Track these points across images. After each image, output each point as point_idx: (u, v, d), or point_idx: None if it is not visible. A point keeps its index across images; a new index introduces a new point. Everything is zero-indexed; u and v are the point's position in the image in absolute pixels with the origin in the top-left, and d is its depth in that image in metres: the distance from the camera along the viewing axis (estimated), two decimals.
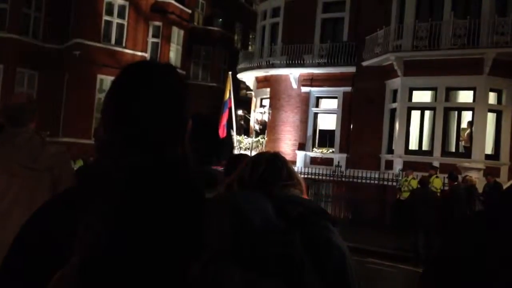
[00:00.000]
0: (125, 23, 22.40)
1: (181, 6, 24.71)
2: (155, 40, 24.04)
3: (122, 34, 22.40)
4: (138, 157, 0.97)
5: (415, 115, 16.44)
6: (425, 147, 16.11)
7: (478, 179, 12.76)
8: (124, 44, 22.36)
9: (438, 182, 12.41)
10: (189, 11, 25.70)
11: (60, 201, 1.01)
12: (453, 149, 15.79)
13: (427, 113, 16.23)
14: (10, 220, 2.16)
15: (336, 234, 1.55)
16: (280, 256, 1.09)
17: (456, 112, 15.93)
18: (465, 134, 15.38)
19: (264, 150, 19.79)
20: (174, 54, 24.88)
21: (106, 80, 21.22)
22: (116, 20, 22.23)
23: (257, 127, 21.70)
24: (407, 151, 16.13)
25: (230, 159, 3.20)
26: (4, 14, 20.76)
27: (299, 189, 1.58)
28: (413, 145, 16.34)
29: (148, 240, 0.90)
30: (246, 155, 3.19)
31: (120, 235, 0.90)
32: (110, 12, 22.02)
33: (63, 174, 2.49)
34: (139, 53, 22.72)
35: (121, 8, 22.30)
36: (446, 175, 11.79)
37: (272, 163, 1.58)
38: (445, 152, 15.52)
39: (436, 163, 14.48)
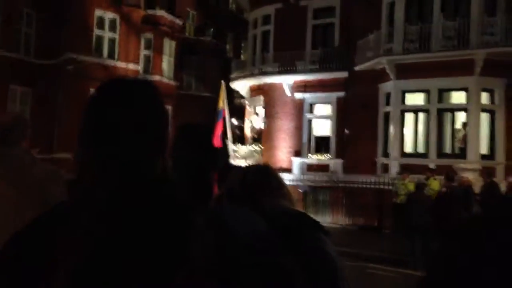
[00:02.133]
0: (117, 37, 22.43)
1: (172, 18, 24.78)
2: (147, 52, 24.07)
3: (114, 47, 22.42)
4: (118, 176, 0.96)
5: (409, 117, 16.49)
6: (420, 149, 16.14)
7: (474, 180, 12.77)
8: (116, 58, 22.38)
9: (436, 184, 12.43)
10: (180, 22, 25.77)
11: (41, 220, 1.00)
12: (448, 151, 15.82)
13: (421, 115, 16.28)
14: (3, 240, 2.14)
15: (328, 244, 1.54)
16: (270, 265, 1.07)
17: (450, 113, 15.99)
18: (460, 135, 15.43)
19: (260, 158, 19.85)
20: (166, 66, 24.91)
21: None
22: (107, 34, 22.26)
23: (252, 135, 21.70)
24: (403, 154, 16.15)
25: (221, 171, 3.18)
26: None
27: (289, 200, 1.58)
28: (408, 147, 16.37)
29: (130, 258, 0.90)
30: (238, 166, 3.17)
31: (102, 255, 0.89)
32: (101, 26, 22.05)
33: (52, 194, 2.44)
34: (132, 66, 22.74)
35: (112, 22, 22.33)
36: (443, 177, 11.81)
37: (261, 175, 1.57)
38: (440, 154, 15.55)
39: (432, 165, 14.50)
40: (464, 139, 15.11)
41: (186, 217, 0.98)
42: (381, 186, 15.33)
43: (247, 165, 1.78)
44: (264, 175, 1.61)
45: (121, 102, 1.02)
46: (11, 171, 2.48)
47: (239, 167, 1.64)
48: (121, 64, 22.33)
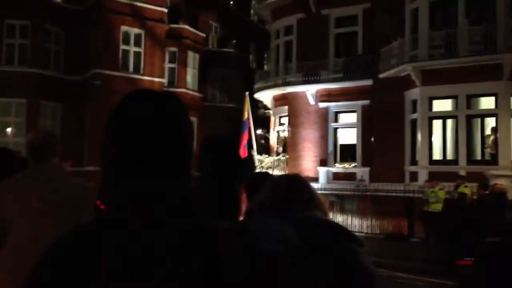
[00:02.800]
0: (142, 51, 22.81)
1: (195, 31, 25.10)
2: (171, 65, 24.40)
3: (140, 61, 22.80)
4: (143, 195, 0.94)
5: (437, 124, 16.22)
6: (449, 156, 15.84)
7: (507, 186, 12.45)
8: (141, 71, 22.74)
9: (467, 192, 12.17)
10: (203, 35, 26.06)
11: (72, 238, 0.98)
12: (478, 157, 15.49)
13: (449, 122, 15.99)
14: (33, 255, 2.17)
15: (362, 255, 1.52)
16: (303, 282, 1.07)
17: (479, 119, 15.67)
18: (490, 140, 15.10)
19: (285, 168, 19.79)
20: (190, 78, 25.18)
21: None
22: (133, 49, 22.66)
23: (277, 145, 21.68)
24: (431, 161, 15.87)
25: (251, 179, 3.17)
26: (25, 50, 21.37)
27: (321, 211, 1.57)
28: (437, 155, 16.08)
29: (165, 281, 0.89)
30: (267, 173, 3.16)
31: (136, 275, 0.89)
32: (127, 41, 22.47)
33: (84, 209, 2.46)
34: (157, 79, 23.06)
35: (138, 37, 22.74)
36: (475, 184, 11.56)
37: (293, 186, 1.57)
38: (470, 161, 15.23)
39: (462, 172, 14.21)
40: (495, 145, 14.77)
41: (215, 239, 0.96)
42: (410, 194, 15.09)
43: (278, 176, 1.77)
44: (295, 186, 1.60)
45: (144, 116, 0.98)
46: (43, 188, 2.53)
47: (271, 179, 1.63)
48: (146, 78, 22.67)
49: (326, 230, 1.46)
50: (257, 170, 19.04)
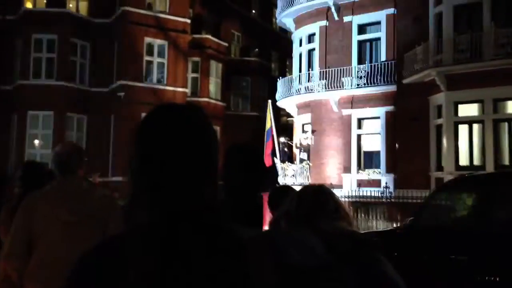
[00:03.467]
0: (165, 62, 23.10)
1: (217, 40, 25.34)
2: (194, 75, 24.66)
3: (163, 72, 23.10)
4: (169, 205, 0.96)
5: (463, 129, 15.95)
6: (476, 161, 15.54)
7: None
8: (165, 82, 23.03)
9: None
10: (226, 44, 26.29)
11: (100, 251, 1.00)
12: (507, 162, 15.15)
13: (476, 127, 15.71)
14: (64, 266, 2.20)
15: (389, 265, 1.51)
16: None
17: (506, 123, 15.36)
18: None
19: (309, 175, 19.72)
20: (213, 87, 25.40)
21: None
22: (156, 60, 22.98)
23: (301, 153, 21.63)
24: (458, 167, 15.59)
25: (274, 191, 3.18)
26: (52, 63, 21.89)
27: (346, 221, 1.56)
28: (463, 160, 15.80)
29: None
30: (289, 187, 3.16)
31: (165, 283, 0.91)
32: (150, 53, 22.81)
33: (110, 220, 2.54)
34: (180, 89, 23.31)
35: (161, 48, 23.06)
36: None
37: (318, 197, 1.57)
38: (498, 166, 14.91)
39: None
40: None
41: (243, 247, 0.97)
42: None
43: (303, 186, 1.78)
44: (320, 196, 1.61)
45: (170, 129, 1.01)
46: (71, 200, 2.58)
47: (294, 190, 1.64)
48: (169, 88, 22.94)
49: (352, 241, 1.46)
50: (281, 178, 19.02)
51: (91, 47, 22.86)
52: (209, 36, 24.77)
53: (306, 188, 1.69)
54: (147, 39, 22.59)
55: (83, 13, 23.49)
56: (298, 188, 1.93)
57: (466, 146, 15.86)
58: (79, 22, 22.57)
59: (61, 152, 2.78)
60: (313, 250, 1.11)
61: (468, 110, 15.97)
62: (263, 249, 1.01)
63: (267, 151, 15.09)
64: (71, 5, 23.67)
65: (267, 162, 14.88)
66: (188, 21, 23.84)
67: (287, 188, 3.25)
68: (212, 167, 1.04)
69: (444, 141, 15.85)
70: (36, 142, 21.59)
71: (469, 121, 15.87)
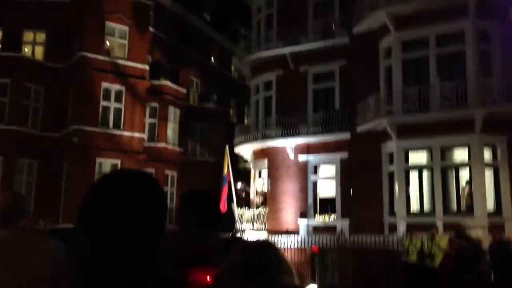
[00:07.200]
0: (122, 107, 22.96)
1: (176, 87, 25.49)
2: (152, 120, 24.57)
3: (120, 117, 22.89)
4: (116, 272, 0.97)
5: (414, 176, 16.53)
6: (426, 207, 16.05)
7: (483, 236, 12.62)
8: (122, 127, 22.80)
9: (443, 241, 12.29)
10: (184, 90, 26.48)
11: None
12: (455, 208, 15.72)
13: (425, 174, 16.32)
14: None
15: None
16: None
17: (454, 171, 16.04)
18: (465, 192, 15.39)
19: (266, 221, 19.67)
20: (171, 133, 25.34)
21: (105, 163, 21.50)
22: (113, 105, 22.79)
23: (257, 199, 21.66)
24: (409, 212, 16.05)
25: (223, 244, 3.20)
26: (3, 107, 21.37)
27: (289, 274, 1.62)
28: (414, 206, 16.29)
29: None
30: (239, 238, 3.19)
31: None
32: (107, 98, 22.64)
33: (56, 279, 2.19)
34: (137, 134, 23.13)
35: (118, 93, 22.95)
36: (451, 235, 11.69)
37: (262, 252, 1.63)
38: (447, 212, 15.44)
39: (439, 223, 14.38)
40: (470, 196, 15.05)
41: None
42: (389, 246, 15.11)
43: (246, 241, 1.84)
44: (264, 250, 1.66)
45: (119, 198, 1.02)
46: (11, 257, 2.29)
47: (240, 243, 1.69)
48: (126, 133, 22.71)
49: None
50: (238, 224, 18.88)
51: (46, 91, 22.51)
52: (168, 82, 24.91)
53: (251, 243, 1.74)
54: (105, 84, 22.47)
55: (38, 57, 23.27)
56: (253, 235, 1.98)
57: (417, 193, 16.39)
58: (34, 66, 22.32)
59: (1, 203, 2.56)
60: None
61: (418, 158, 16.61)
62: None
63: (223, 196, 15.07)
64: (26, 50, 23.44)
65: (223, 207, 14.86)
66: (147, 67, 23.96)
67: (236, 240, 3.27)
68: (158, 235, 1.06)
69: (396, 187, 16.33)
70: None
71: (419, 168, 16.48)
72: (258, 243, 1.70)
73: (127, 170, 1.12)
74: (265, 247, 1.67)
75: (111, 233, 0.99)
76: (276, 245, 1.73)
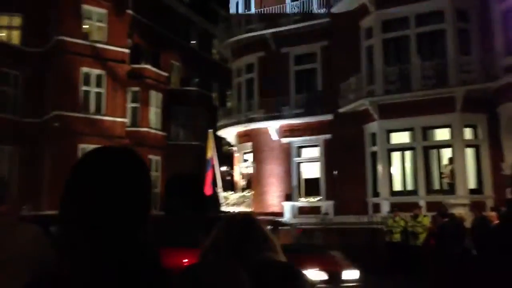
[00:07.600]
0: (103, 91, 22.64)
1: (157, 70, 25.18)
2: (134, 105, 24.28)
3: (101, 102, 22.59)
4: (101, 248, 0.97)
5: (396, 156, 16.68)
6: (409, 187, 16.24)
7: (465, 214, 12.83)
8: (103, 112, 22.51)
9: (426, 220, 12.49)
10: (166, 74, 26.18)
11: None
12: (437, 187, 15.94)
13: (408, 154, 16.48)
14: None
15: None
16: None
17: (436, 150, 16.22)
18: (447, 170, 15.60)
19: (251, 204, 19.74)
20: (153, 117, 25.10)
21: (87, 148, 21.21)
22: (94, 89, 22.46)
23: (242, 181, 21.68)
24: (392, 192, 16.23)
25: (207, 223, 3.18)
26: None
27: (274, 251, 1.60)
28: (397, 186, 16.47)
29: None
30: (223, 218, 3.16)
31: None
32: (87, 82, 22.29)
33: (39, 261, 2.13)
34: (119, 119, 22.87)
35: (99, 78, 22.60)
36: (433, 213, 11.86)
37: (246, 227, 1.60)
38: (429, 191, 15.66)
39: (421, 202, 14.57)
40: (452, 174, 15.26)
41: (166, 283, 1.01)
42: (374, 226, 15.30)
43: (230, 215, 1.79)
44: (248, 227, 1.63)
45: (102, 174, 1.02)
46: None
47: (223, 219, 1.65)
48: (108, 118, 22.44)
49: (276, 270, 1.51)
50: (223, 207, 18.91)
51: (24, 76, 22.04)
52: (148, 66, 24.58)
53: (232, 219, 1.71)
54: (84, 69, 22.08)
55: (15, 42, 22.72)
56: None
57: (400, 172, 16.56)
58: (12, 51, 21.79)
59: None
60: (237, 282, 1.13)
61: (400, 137, 16.75)
62: (185, 284, 1.03)
63: (208, 180, 15.03)
64: (2, 34, 22.86)
65: (208, 191, 14.83)
66: (127, 51, 23.59)
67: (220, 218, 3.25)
68: (143, 210, 1.06)
69: (379, 167, 16.48)
70: None
71: (402, 148, 16.63)
72: (242, 217, 1.67)
73: (111, 147, 1.13)
74: (250, 222, 1.64)
75: (95, 208, 0.99)
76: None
